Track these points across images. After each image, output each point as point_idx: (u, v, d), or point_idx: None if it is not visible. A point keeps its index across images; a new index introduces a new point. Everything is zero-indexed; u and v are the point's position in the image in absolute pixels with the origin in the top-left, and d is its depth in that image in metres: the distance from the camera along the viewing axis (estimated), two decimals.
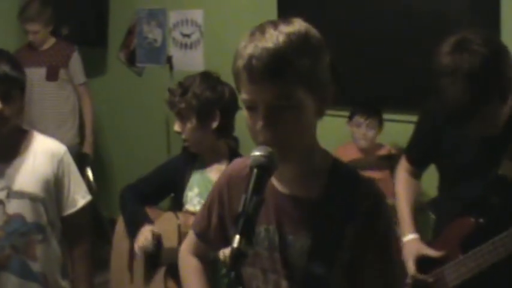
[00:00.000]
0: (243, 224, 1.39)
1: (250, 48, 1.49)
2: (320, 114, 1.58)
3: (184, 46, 5.47)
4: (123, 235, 3.01)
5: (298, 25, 1.54)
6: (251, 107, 1.53)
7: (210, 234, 1.85)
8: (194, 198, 2.83)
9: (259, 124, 1.50)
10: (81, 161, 5.11)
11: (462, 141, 2.42)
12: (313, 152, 1.62)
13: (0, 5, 5.59)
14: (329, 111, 4.70)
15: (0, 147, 2.46)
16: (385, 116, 4.31)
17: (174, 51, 5.48)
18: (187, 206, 2.84)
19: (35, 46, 5.14)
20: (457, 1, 4.20)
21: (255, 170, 1.46)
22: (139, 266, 2.92)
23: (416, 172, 2.75)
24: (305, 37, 1.53)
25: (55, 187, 2.53)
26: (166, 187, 2.96)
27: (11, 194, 2.44)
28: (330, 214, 1.59)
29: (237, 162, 1.82)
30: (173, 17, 5.53)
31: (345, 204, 1.59)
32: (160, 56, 5.61)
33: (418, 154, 2.68)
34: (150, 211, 2.95)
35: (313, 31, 1.57)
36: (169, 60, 5.20)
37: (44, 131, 4.89)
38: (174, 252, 2.75)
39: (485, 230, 2.37)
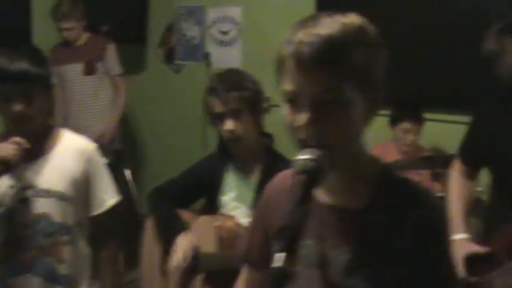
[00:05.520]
0: (286, 239, 1.17)
1: (300, 34, 1.29)
2: (369, 118, 1.36)
3: (223, 43, 5.29)
4: (153, 238, 2.81)
5: (354, 17, 1.35)
6: (293, 100, 1.31)
7: (256, 254, 1.62)
8: (230, 203, 2.62)
9: (302, 119, 1.29)
10: (118, 157, 4.97)
11: None
12: (360, 157, 1.40)
13: (35, 4, 5.44)
14: None
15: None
16: (425, 115, 4.05)
17: (212, 49, 5.31)
18: (222, 211, 2.63)
19: (70, 42, 5.01)
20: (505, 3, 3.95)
21: (301, 177, 1.24)
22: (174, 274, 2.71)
23: (471, 174, 2.51)
24: (361, 30, 1.34)
25: (83, 186, 2.34)
26: (199, 189, 2.75)
27: (38, 192, 2.26)
28: (377, 225, 1.36)
29: (283, 173, 1.59)
30: (212, 14, 5.35)
31: (395, 214, 1.36)
32: (198, 53, 5.43)
33: (472, 155, 2.46)
34: (184, 214, 2.74)
35: (371, 26, 1.36)
36: (206, 57, 5.01)
37: (85, 126, 4.91)
38: (213, 258, 2.56)
39: None
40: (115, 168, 4.80)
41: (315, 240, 1.41)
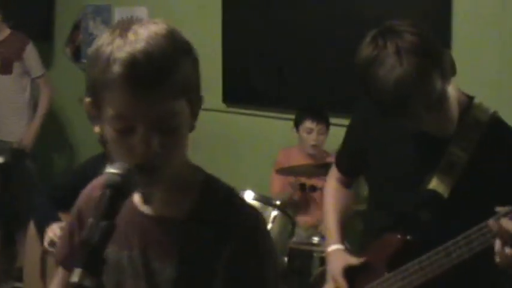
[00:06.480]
0: (86, 254, 1.10)
1: (124, 51, 1.17)
2: (192, 126, 1.31)
3: None
4: (34, 241, 2.72)
5: (167, 25, 1.25)
6: (123, 125, 1.21)
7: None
8: None
9: (137, 146, 1.20)
10: (19, 156, 4.78)
11: (391, 150, 2.15)
12: (183, 167, 1.33)
13: None
14: (272, 114, 4.49)
15: None
16: (331, 120, 4.05)
17: None
18: None
19: None
20: (410, 9, 3.99)
21: (107, 191, 1.17)
22: (53, 274, 2.63)
23: (347, 181, 2.46)
24: (181, 39, 1.26)
25: None
26: (80, 189, 2.66)
27: None
28: (198, 236, 1.32)
29: (98, 180, 1.50)
30: (118, 13, 5.27)
31: (217, 224, 1.32)
32: None
33: (348, 162, 2.39)
34: (64, 216, 2.66)
35: (181, 33, 1.27)
36: None
37: (0, 126, 4.69)
38: None
39: (413, 247, 2.10)
40: (16, 168, 4.65)
41: (139, 251, 1.35)
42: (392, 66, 1.80)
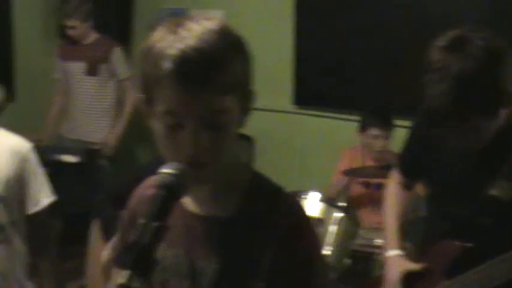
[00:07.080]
0: (135, 256, 1.08)
1: (175, 48, 1.17)
2: (242, 124, 1.29)
3: None
4: (97, 240, 2.74)
5: (220, 22, 1.24)
6: (172, 118, 1.21)
7: None
8: None
9: (187, 142, 1.20)
10: (92, 155, 4.85)
11: (450, 155, 2.09)
12: (230, 166, 1.31)
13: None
14: (341, 115, 4.44)
15: None
16: (396, 122, 3.96)
17: None
18: None
19: (76, 40, 4.93)
20: (476, 9, 3.93)
21: (160, 191, 1.17)
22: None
23: (408, 183, 2.40)
24: (233, 36, 1.25)
25: (17, 185, 2.28)
26: None
27: None
28: (244, 235, 1.30)
29: (152, 177, 1.47)
30: None
31: (262, 223, 1.29)
32: None
33: (408, 165, 2.35)
34: None
35: (235, 30, 1.26)
36: None
37: (82, 125, 4.85)
38: None
39: (472, 255, 2.02)
40: (90, 168, 4.73)
41: (184, 251, 1.34)
42: (442, 92, 1.78)
